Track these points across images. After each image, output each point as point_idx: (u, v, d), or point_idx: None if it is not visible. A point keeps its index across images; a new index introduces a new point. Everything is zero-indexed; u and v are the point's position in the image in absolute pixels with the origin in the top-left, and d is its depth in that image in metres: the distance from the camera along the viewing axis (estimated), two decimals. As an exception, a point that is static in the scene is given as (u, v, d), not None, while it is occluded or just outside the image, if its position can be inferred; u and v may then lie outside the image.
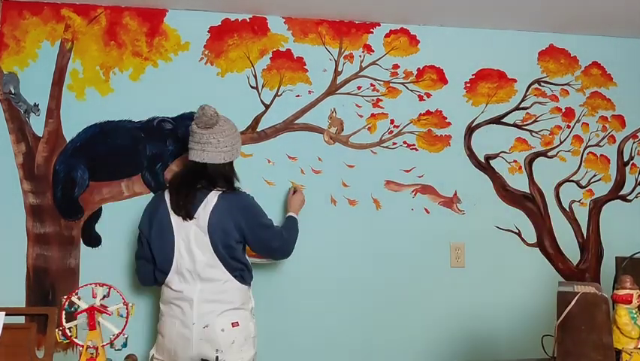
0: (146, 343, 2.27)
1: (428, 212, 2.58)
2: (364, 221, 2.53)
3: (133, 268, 2.31)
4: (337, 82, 2.57)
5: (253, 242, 2.09)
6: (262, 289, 2.42)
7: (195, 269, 1.97)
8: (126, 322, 1.47)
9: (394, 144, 2.59)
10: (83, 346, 1.44)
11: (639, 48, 2.80)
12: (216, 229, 1.98)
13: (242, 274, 2.05)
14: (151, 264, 2.05)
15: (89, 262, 2.33)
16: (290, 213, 2.33)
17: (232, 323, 1.96)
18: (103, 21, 2.43)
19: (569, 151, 2.71)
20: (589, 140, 2.73)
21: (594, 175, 2.72)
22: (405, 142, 2.60)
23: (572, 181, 2.70)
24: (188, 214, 1.98)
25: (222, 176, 2.08)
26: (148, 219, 2.07)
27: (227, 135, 2.06)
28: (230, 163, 2.12)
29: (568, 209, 2.69)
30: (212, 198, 2.01)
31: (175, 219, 2.00)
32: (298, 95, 2.53)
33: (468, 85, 2.66)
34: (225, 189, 2.06)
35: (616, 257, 1.98)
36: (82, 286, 1.50)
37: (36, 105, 2.36)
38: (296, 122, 2.53)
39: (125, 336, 1.48)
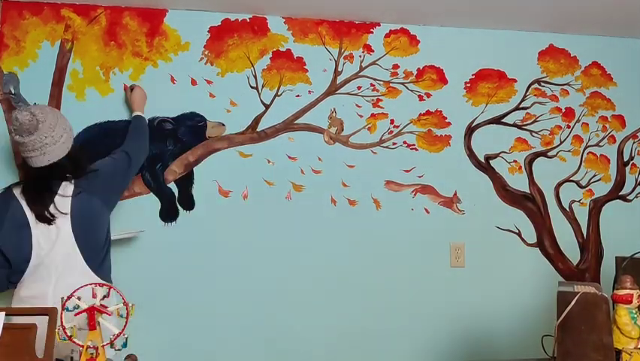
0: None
1: (428, 212, 2.58)
2: (364, 221, 2.53)
3: (133, 267, 2.31)
4: (337, 82, 2.57)
5: (117, 177, 2.07)
6: (262, 287, 2.42)
7: (54, 263, 1.86)
8: (126, 322, 1.47)
9: (394, 144, 2.59)
10: (82, 346, 1.44)
11: (639, 48, 2.81)
12: (80, 214, 1.91)
13: (102, 267, 1.95)
14: (3, 268, 1.91)
15: (89, 262, 2.33)
16: (135, 113, 2.31)
17: None
18: (103, 21, 2.43)
19: (569, 151, 2.71)
20: (589, 140, 2.73)
21: (594, 175, 2.72)
22: (405, 142, 2.60)
23: (572, 181, 2.70)
24: (50, 217, 1.89)
25: (73, 163, 1.96)
26: None
27: (56, 126, 1.90)
28: (73, 147, 1.98)
29: (568, 209, 2.69)
30: (67, 185, 1.93)
31: (31, 215, 1.89)
32: (298, 95, 2.53)
33: (468, 85, 2.66)
34: (81, 174, 1.97)
35: (616, 257, 1.98)
36: (82, 286, 1.50)
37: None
38: (296, 122, 2.53)
39: (125, 336, 1.48)
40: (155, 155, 2.41)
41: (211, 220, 2.41)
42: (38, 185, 1.93)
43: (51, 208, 1.89)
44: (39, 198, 1.91)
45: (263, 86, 2.52)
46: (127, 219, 2.34)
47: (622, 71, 2.78)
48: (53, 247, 1.88)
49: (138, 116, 2.30)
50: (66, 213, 1.90)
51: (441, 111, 2.63)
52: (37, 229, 1.88)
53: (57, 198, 1.91)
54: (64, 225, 1.90)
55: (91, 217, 1.96)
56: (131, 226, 2.33)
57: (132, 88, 2.37)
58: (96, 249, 1.96)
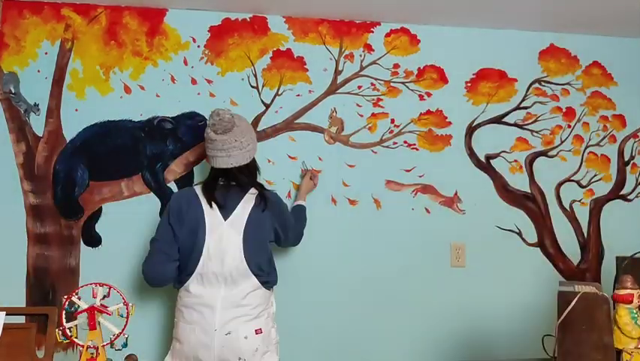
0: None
1: (429, 212, 2.58)
2: (365, 221, 2.52)
3: (133, 267, 2.32)
4: (338, 81, 2.57)
5: (281, 239, 2.13)
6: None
7: (223, 273, 1.92)
8: (126, 322, 1.47)
9: (395, 143, 2.59)
10: (83, 346, 1.44)
11: (639, 48, 2.80)
12: (252, 230, 1.97)
13: (268, 279, 2.02)
14: (173, 262, 1.98)
15: (89, 262, 2.33)
16: (299, 202, 2.36)
17: (255, 331, 1.93)
18: (103, 21, 2.43)
19: (569, 151, 2.71)
20: (589, 139, 2.73)
21: (595, 175, 2.72)
22: (405, 142, 2.59)
23: (573, 181, 2.70)
24: (227, 213, 1.97)
25: (249, 173, 2.08)
26: (178, 214, 1.98)
27: (247, 133, 2.05)
28: (253, 160, 2.11)
29: (568, 209, 2.68)
30: (249, 199, 2.02)
31: (209, 219, 1.96)
32: (298, 95, 2.53)
33: (468, 84, 2.66)
34: (254, 185, 2.06)
35: (616, 257, 1.98)
36: (82, 286, 1.51)
37: (36, 105, 2.36)
38: (296, 121, 2.52)
39: (126, 336, 1.48)
40: (155, 154, 2.41)
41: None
42: (217, 190, 2.00)
43: (231, 216, 1.97)
44: (220, 198, 1.98)
45: (263, 86, 2.51)
46: (128, 219, 2.35)
47: (622, 70, 2.77)
48: (224, 258, 1.93)
49: (300, 206, 2.35)
50: (242, 224, 1.97)
51: (441, 111, 2.63)
52: (211, 237, 1.94)
53: (239, 206, 1.99)
54: (236, 236, 1.96)
55: (262, 232, 2.02)
56: (131, 224, 2.34)
57: (312, 176, 2.42)
58: (261, 264, 2.00)
